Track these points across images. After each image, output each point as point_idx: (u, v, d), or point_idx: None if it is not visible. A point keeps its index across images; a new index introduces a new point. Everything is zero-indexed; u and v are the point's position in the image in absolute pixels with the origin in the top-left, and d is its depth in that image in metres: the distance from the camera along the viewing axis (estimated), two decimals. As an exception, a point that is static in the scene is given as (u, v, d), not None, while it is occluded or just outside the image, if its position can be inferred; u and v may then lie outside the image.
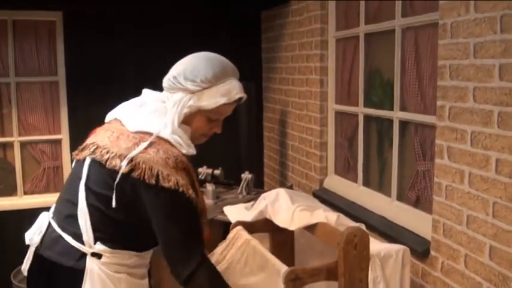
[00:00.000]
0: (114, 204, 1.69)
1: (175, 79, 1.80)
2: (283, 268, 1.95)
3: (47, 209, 1.94)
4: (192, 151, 1.81)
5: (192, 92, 1.78)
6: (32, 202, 4.40)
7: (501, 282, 2.03)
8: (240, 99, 1.85)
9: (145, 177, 1.66)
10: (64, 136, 4.58)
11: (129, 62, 4.52)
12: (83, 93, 4.48)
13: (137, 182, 1.67)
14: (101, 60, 4.46)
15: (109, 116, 1.92)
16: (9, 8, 4.24)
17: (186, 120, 1.81)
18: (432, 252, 2.45)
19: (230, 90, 1.80)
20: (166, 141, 1.75)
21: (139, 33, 4.54)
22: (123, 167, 1.67)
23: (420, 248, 2.50)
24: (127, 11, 4.46)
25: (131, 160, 1.68)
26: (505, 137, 1.99)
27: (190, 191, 1.71)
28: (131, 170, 1.67)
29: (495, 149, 2.04)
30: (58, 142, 4.62)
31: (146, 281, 1.88)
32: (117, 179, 1.67)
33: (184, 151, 1.77)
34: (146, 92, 1.93)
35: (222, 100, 1.79)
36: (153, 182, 1.65)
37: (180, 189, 1.68)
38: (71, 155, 4.69)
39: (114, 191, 1.68)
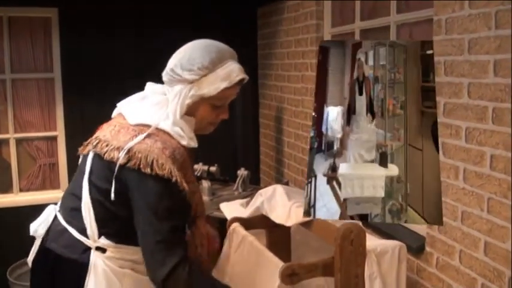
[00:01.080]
0: (112, 196, 1.66)
1: (172, 71, 1.77)
2: (280, 264, 1.96)
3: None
4: (194, 144, 1.79)
5: (191, 82, 1.75)
6: (28, 199, 4.40)
7: (496, 277, 2.04)
8: (241, 81, 1.81)
9: (141, 166, 1.63)
10: (60, 133, 4.57)
11: (125, 59, 4.51)
12: (78, 90, 4.47)
13: (132, 171, 1.65)
14: (96, 57, 4.45)
15: (115, 111, 1.91)
16: (5, 5, 4.22)
17: (191, 111, 1.79)
18: (427, 248, 2.46)
19: (230, 74, 1.76)
20: (166, 133, 1.73)
21: (136, 30, 4.53)
22: (121, 158, 1.65)
23: (415, 244, 2.50)
24: (123, 8, 4.44)
25: (128, 151, 1.66)
26: (499, 133, 2.00)
27: (184, 184, 1.68)
28: (128, 161, 1.65)
29: (490, 145, 2.05)
30: (54, 139, 4.60)
31: None
32: (115, 171, 1.66)
33: (184, 143, 1.75)
34: (149, 85, 1.92)
35: (223, 85, 1.75)
36: (148, 170, 1.63)
37: (174, 179, 1.64)
38: (67, 151, 4.72)
39: (113, 184, 1.66)
